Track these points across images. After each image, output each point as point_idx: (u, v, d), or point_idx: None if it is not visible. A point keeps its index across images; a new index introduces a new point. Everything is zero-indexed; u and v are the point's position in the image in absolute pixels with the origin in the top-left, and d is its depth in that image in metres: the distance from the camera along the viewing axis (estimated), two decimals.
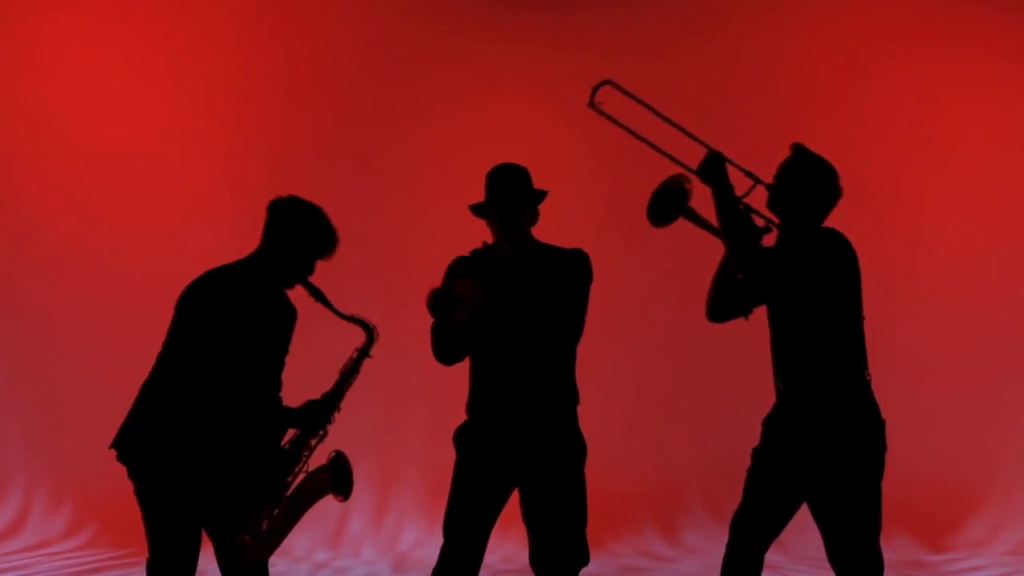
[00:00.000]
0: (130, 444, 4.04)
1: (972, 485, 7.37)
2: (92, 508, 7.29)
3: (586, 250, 4.38)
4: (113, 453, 4.08)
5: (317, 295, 4.14)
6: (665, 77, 7.57)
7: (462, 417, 4.35)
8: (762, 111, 7.62)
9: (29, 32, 7.57)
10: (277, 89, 7.66)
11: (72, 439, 7.36)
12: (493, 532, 4.33)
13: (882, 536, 4.13)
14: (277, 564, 4.46)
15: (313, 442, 4.22)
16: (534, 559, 4.26)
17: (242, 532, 4.06)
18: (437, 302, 4.15)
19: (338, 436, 7.37)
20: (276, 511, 4.11)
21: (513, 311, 4.20)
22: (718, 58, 7.68)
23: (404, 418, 7.60)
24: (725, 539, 4.20)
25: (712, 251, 4.30)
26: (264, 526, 4.09)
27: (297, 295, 4.22)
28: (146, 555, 4.06)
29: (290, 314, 4.16)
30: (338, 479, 4.19)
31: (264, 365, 4.05)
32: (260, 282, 4.09)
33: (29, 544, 7.23)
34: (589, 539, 4.32)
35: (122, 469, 4.07)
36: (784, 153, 4.27)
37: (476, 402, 4.32)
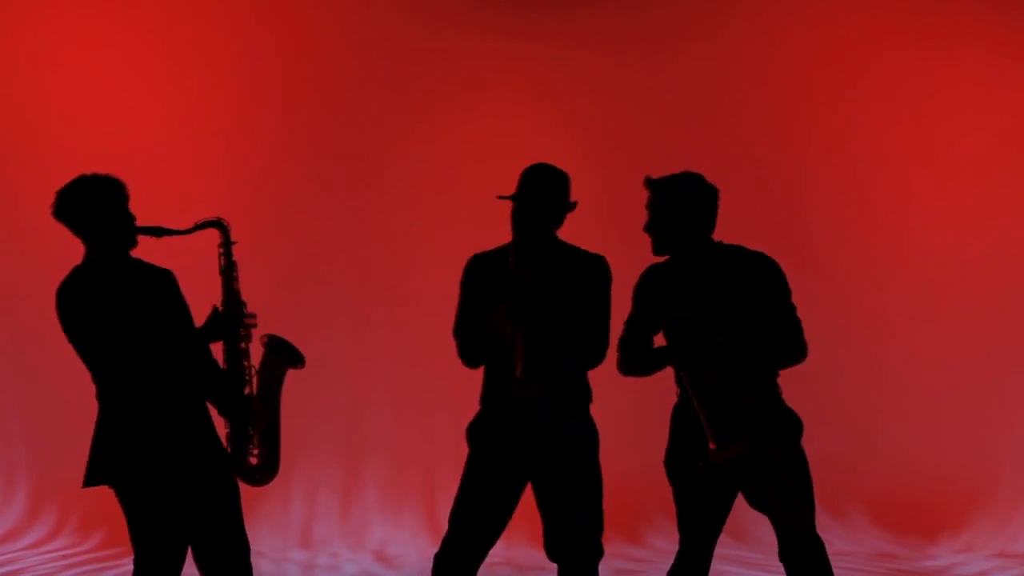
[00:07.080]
0: (103, 466, 4.02)
1: (966, 485, 7.41)
2: (50, 498, 7.23)
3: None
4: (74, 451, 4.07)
5: (157, 231, 4.08)
6: (662, 75, 7.62)
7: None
8: (759, 109, 7.67)
9: (28, 31, 7.49)
10: (276, 89, 7.64)
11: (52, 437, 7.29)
12: None
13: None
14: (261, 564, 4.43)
15: (243, 346, 4.18)
16: (552, 551, 4.29)
17: (243, 459, 4.14)
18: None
19: (306, 437, 7.36)
20: (256, 421, 4.16)
21: (532, 312, 4.22)
22: (715, 56, 7.69)
23: (368, 419, 7.57)
24: None
25: None
26: (255, 439, 4.16)
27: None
28: (110, 547, 4.03)
29: (156, 279, 4.07)
30: (281, 353, 4.21)
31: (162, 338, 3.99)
32: (109, 267, 4.03)
33: None
34: None
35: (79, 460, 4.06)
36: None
37: (490, 394, 4.34)
